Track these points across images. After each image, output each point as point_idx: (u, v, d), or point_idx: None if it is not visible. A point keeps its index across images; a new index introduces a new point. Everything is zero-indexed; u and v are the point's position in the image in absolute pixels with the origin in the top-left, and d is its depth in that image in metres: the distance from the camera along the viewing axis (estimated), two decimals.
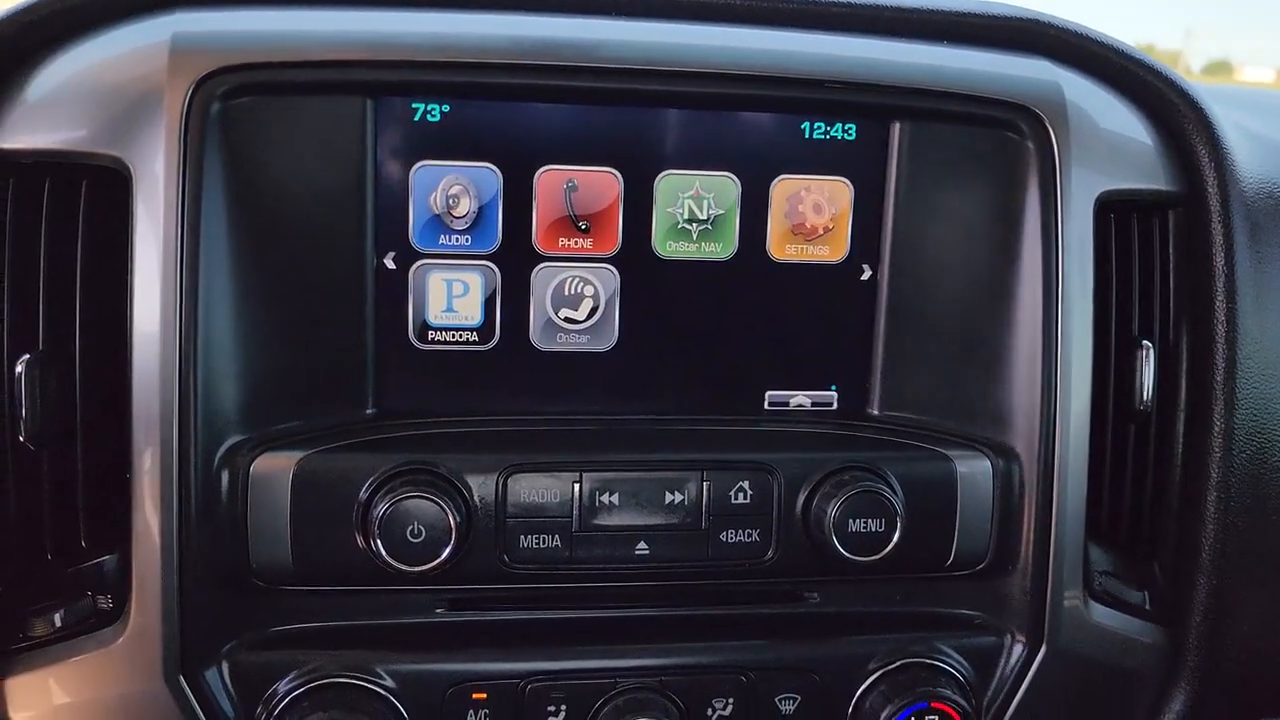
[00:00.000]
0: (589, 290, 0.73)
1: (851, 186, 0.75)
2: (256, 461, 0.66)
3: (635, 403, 0.75)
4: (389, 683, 0.67)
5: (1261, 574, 0.80)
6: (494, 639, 0.70)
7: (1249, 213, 0.78)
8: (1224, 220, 0.77)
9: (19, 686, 0.67)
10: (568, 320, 0.73)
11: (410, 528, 0.64)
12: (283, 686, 0.66)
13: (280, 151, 0.67)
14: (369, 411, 0.71)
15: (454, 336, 0.73)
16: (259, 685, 0.67)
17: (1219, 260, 0.77)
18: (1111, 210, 0.77)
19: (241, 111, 0.66)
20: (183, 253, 0.64)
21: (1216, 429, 0.77)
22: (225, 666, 0.67)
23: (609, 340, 0.74)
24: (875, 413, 0.77)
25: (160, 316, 0.64)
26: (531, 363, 0.73)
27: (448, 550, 0.65)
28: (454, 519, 0.65)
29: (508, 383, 0.73)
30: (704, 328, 0.75)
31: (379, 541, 0.64)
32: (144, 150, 0.64)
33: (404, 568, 0.65)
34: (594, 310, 0.74)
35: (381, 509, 0.64)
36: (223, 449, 0.66)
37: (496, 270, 0.72)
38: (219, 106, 0.65)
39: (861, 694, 0.72)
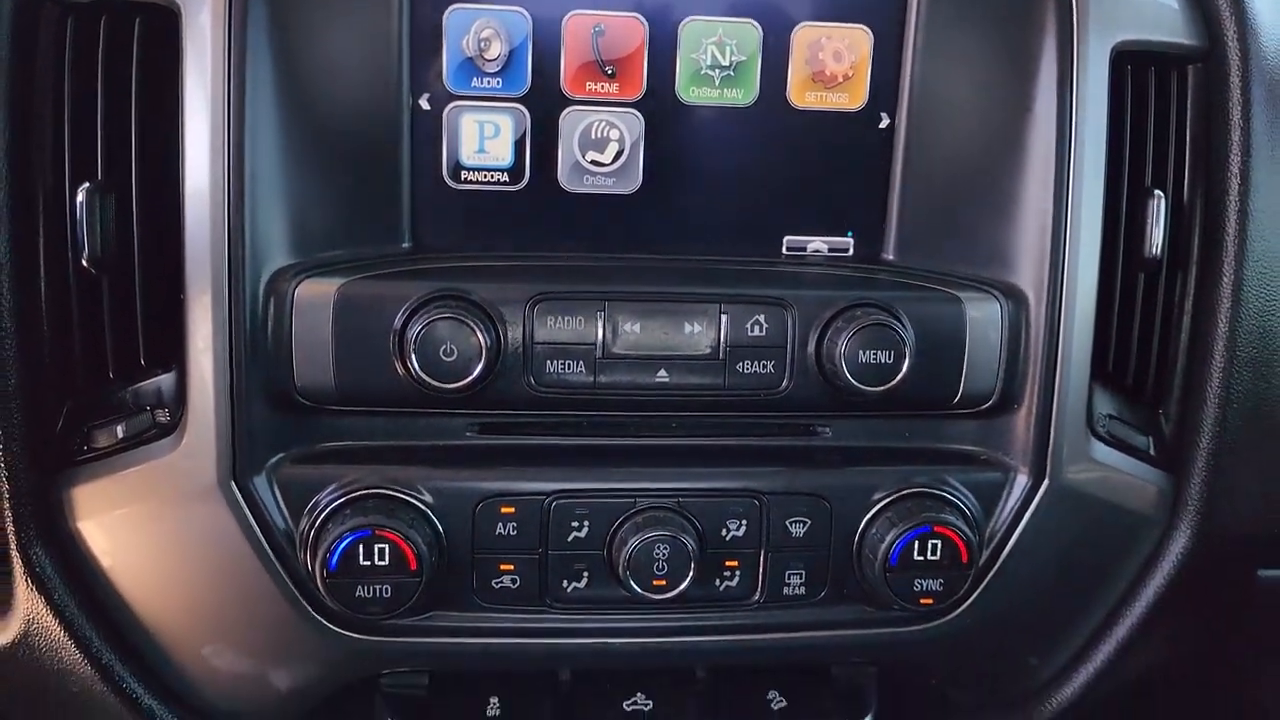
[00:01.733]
0: (614, 134, 0.76)
1: (871, 34, 0.76)
2: (300, 286, 0.70)
3: (657, 244, 0.78)
4: (424, 496, 0.72)
5: (1265, 425, 0.82)
6: (522, 460, 0.74)
7: (1268, 70, 0.79)
8: (1243, 76, 0.78)
9: (84, 495, 0.73)
10: (594, 163, 0.77)
11: (443, 347, 0.69)
12: (325, 497, 0.72)
13: None
14: (404, 245, 0.75)
15: (486, 176, 0.76)
16: (303, 495, 0.72)
17: (1236, 116, 0.79)
18: (1129, 63, 0.78)
19: None
20: (230, 88, 0.67)
21: (1226, 280, 0.79)
22: (273, 477, 0.72)
23: (633, 183, 0.77)
24: (890, 258, 0.80)
25: (209, 147, 0.68)
26: (559, 203, 0.77)
27: (478, 369, 0.69)
28: (484, 340, 0.69)
29: (536, 222, 0.77)
30: (725, 173, 0.78)
31: (414, 359, 0.69)
32: None
33: (437, 384, 0.69)
34: (619, 154, 0.77)
35: (416, 329, 0.69)
36: (269, 274, 0.70)
37: (526, 113, 0.75)
38: None
39: (869, 520, 0.75)
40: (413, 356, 0.69)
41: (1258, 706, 1.06)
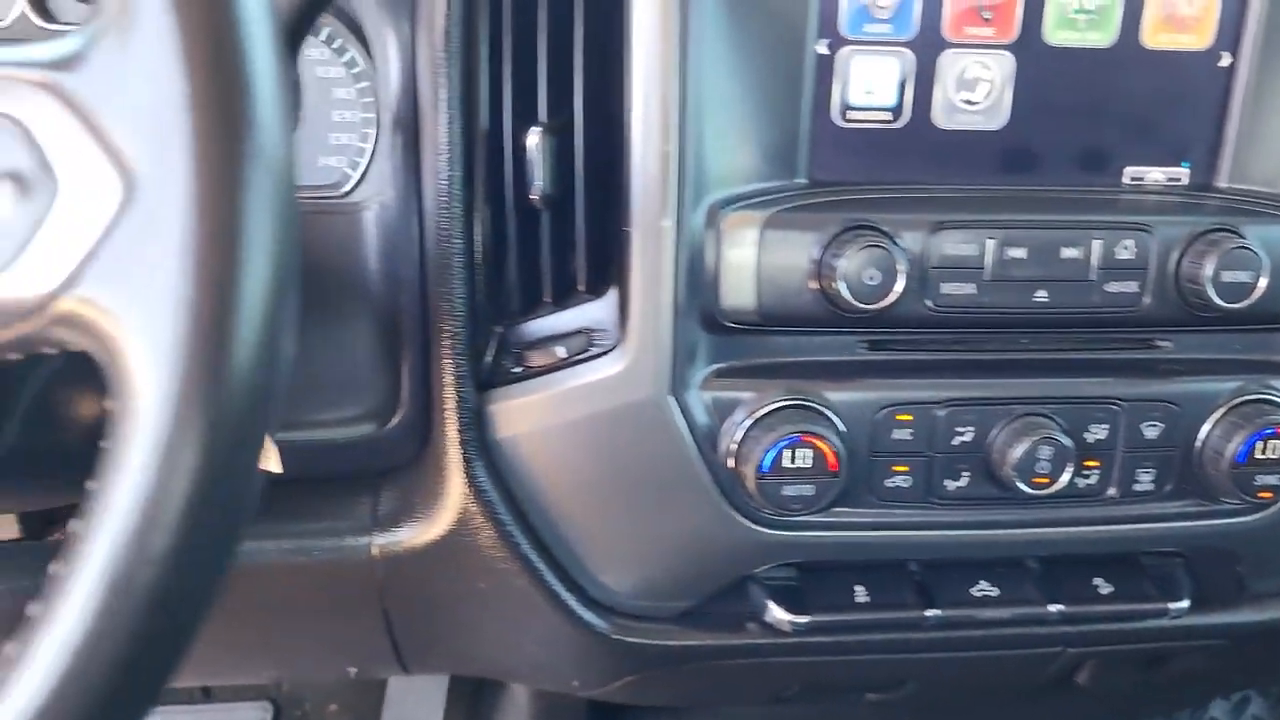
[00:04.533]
0: (986, 74, 0.83)
1: None
2: (729, 218, 0.78)
3: (1019, 175, 0.85)
4: (832, 405, 0.81)
5: None
6: (916, 372, 0.83)
7: None
8: None
9: (518, 409, 0.82)
10: (966, 102, 0.84)
11: (867, 272, 0.77)
12: (750, 407, 0.80)
13: None
14: (800, 180, 0.83)
15: (870, 116, 0.83)
16: (727, 406, 0.81)
17: None
18: None
19: None
20: (682, 24, 0.74)
21: None
22: (701, 391, 0.80)
23: (1000, 120, 0.84)
24: (1223, 185, 0.87)
25: (659, 85, 0.75)
26: (933, 139, 0.84)
27: (898, 290, 0.77)
28: (901, 264, 0.77)
29: (913, 156, 0.84)
30: (1079, 109, 0.85)
31: (841, 284, 0.77)
32: None
33: (861, 305, 0.77)
34: (988, 93, 0.84)
35: (841, 257, 0.77)
36: (704, 206, 0.78)
37: (912, 55, 0.82)
38: None
39: (1214, 423, 0.84)
40: (841, 281, 0.77)
41: None
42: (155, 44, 0.41)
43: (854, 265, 0.77)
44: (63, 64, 0.43)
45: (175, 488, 0.41)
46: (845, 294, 0.77)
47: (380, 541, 0.87)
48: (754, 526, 0.83)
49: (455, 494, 0.84)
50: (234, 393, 0.42)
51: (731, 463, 0.80)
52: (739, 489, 0.81)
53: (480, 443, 0.83)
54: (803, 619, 0.87)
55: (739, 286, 0.79)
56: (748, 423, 0.80)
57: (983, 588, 0.91)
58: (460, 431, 0.82)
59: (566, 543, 0.86)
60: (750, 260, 0.78)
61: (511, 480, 0.84)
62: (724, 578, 0.88)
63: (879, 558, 0.89)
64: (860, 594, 0.89)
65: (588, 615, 0.89)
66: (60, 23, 0.83)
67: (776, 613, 0.88)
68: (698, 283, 0.78)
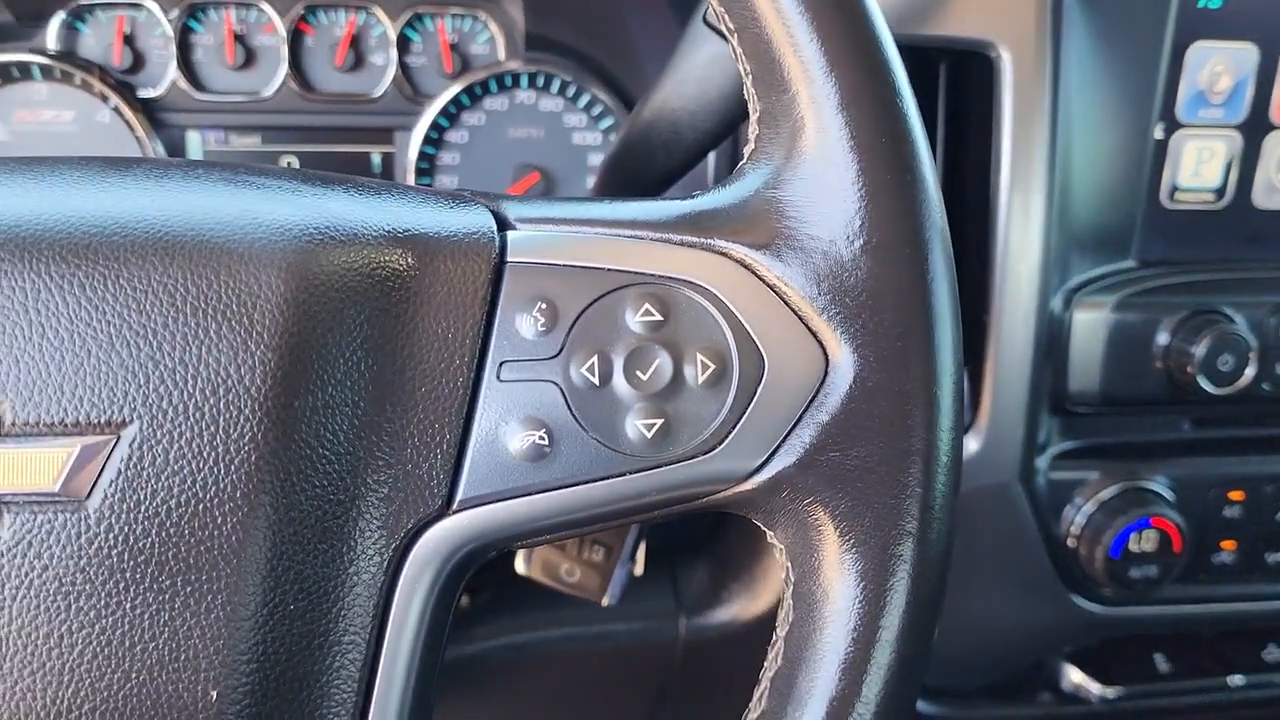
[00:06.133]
0: None
1: None
2: (1082, 302, 0.79)
3: None
4: (1169, 483, 0.82)
5: None
6: (1242, 448, 0.84)
7: None
8: None
9: None
10: None
11: (1221, 358, 0.78)
12: (1093, 490, 0.81)
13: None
14: (1128, 263, 0.84)
15: (1195, 197, 0.84)
16: (1068, 489, 0.82)
17: None
18: None
19: None
20: (1053, 119, 0.75)
21: None
22: (1047, 473, 0.81)
23: None
24: None
25: (1032, 176, 0.75)
26: (1253, 219, 0.85)
27: (1250, 374, 0.78)
28: (1253, 349, 0.78)
29: (1231, 236, 0.86)
30: None
31: (1195, 368, 0.78)
32: (1013, 32, 0.75)
33: (1215, 391, 0.78)
34: None
35: (1192, 341, 0.78)
36: (1061, 292, 0.78)
37: (1240, 138, 0.83)
38: None
39: None
40: (1195, 366, 0.78)
41: None
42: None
43: (1208, 351, 0.78)
44: (741, 232, 0.42)
45: (874, 678, 0.41)
46: (1200, 380, 0.78)
47: (690, 623, 0.87)
48: (1090, 605, 0.84)
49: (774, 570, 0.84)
50: (933, 575, 0.42)
51: (1074, 544, 0.81)
52: (1078, 569, 0.82)
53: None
54: (1112, 691, 0.89)
55: (1086, 370, 0.80)
56: (1090, 506, 0.81)
57: (1272, 651, 0.93)
58: None
59: None
60: (1099, 344, 0.79)
61: None
62: (1040, 653, 0.89)
63: (1197, 631, 0.90)
64: (1161, 662, 0.91)
65: None
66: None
67: (1085, 684, 0.89)
68: (1049, 368, 0.79)
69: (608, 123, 0.96)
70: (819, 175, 0.42)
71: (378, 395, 0.40)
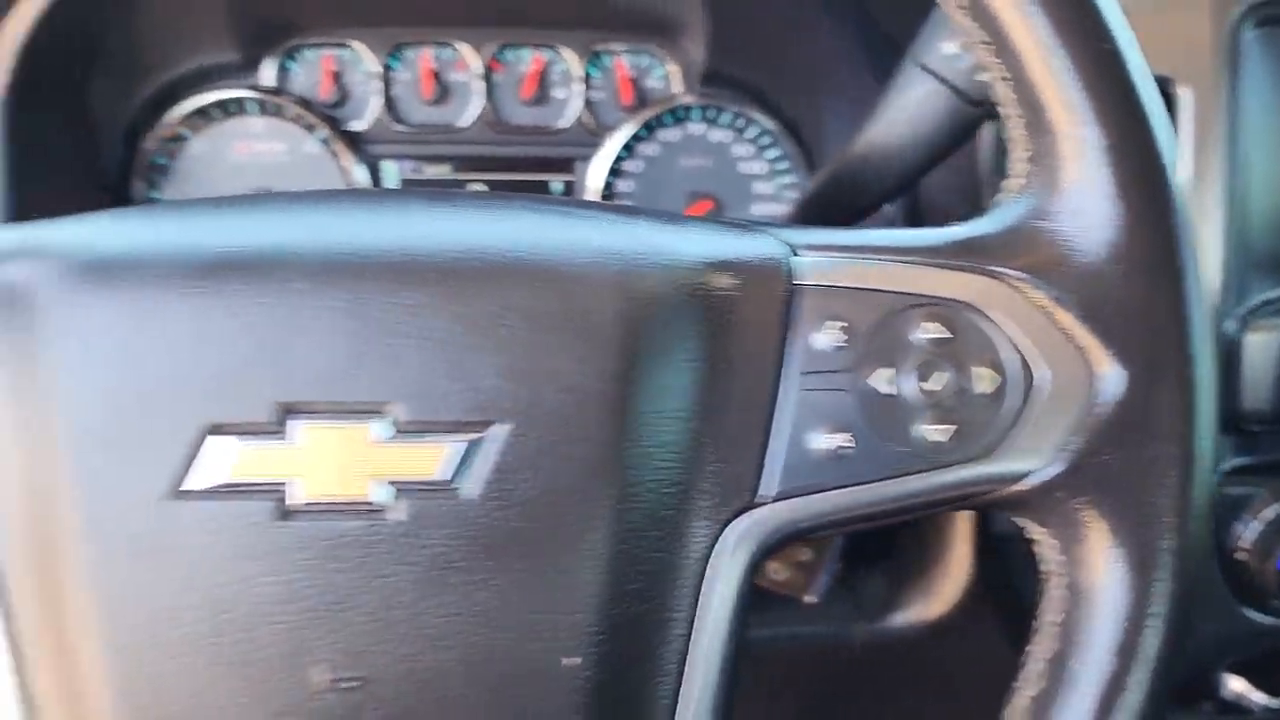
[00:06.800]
0: None
1: None
2: (1256, 324, 0.82)
3: None
4: None
5: None
6: None
7: None
8: None
9: None
10: None
11: None
12: (1257, 504, 0.84)
13: None
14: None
15: None
16: (1239, 502, 0.84)
17: None
18: None
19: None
20: (1231, 152, 0.79)
21: None
22: (1220, 489, 0.84)
23: None
24: None
25: (1204, 211, 0.79)
26: None
27: None
28: None
29: None
30: None
31: None
32: (1192, 68, 0.79)
33: None
34: None
35: None
36: (1238, 313, 0.82)
37: None
38: (1255, 33, 0.79)
39: None
40: None
41: None
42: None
43: None
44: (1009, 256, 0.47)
45: (1143, 659, 0.45)
46: None
47: (870, 627, 0.92)
48: (1261, 617, 0.86)
49: (960, 565, 0.88)
50: (1191, 568, 0.46)
51: (1244, 557, 0.84)
52: (1248, 581, 0.84)
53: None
54: (1276, 701, 0.91)
55: (1259, 389, 0.83)
56: (1261, 522, 0.83)
57: None
58: None
59: None
60: (1272, 364, 0.82)
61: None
62: (1206, 664, 0.91)
63: None
64: None
65: None
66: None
67: (1247, 693, 0.91)
68: (1224, 387, 0.82)
69: (774, 153, 1.01)
70: (1082, 208, 0.47)
71: (698, 398, 0.45)
